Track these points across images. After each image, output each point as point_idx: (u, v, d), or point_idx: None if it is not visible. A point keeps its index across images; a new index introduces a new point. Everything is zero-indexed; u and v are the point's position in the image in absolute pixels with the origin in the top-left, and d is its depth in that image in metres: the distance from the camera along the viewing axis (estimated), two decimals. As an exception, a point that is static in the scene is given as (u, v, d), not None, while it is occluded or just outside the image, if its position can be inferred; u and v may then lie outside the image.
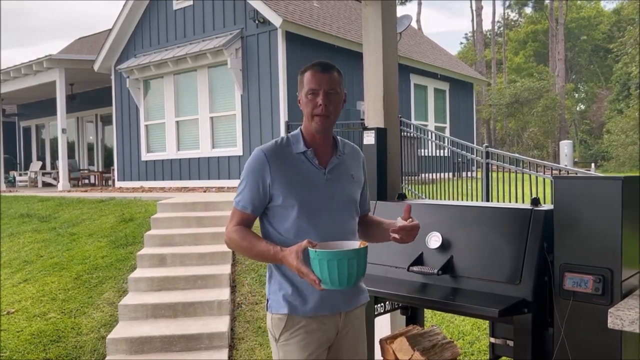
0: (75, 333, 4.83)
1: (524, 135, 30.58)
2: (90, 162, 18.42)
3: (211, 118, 11.43)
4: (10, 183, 18.63)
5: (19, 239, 7.67)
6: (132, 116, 13.10)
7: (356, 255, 1.69)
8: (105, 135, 17.79)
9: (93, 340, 4.73)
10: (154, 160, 12.66)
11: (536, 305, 2.12)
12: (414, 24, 22.98)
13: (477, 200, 8.15)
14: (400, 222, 1.88)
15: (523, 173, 7.20)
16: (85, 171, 17.48)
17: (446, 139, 10.16)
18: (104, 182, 15.95)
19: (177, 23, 12.08)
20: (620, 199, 1.99)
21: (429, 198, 8.79)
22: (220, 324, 4.80)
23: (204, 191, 10.40)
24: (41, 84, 14.11)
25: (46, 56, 13.08)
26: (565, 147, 20.83)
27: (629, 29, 27.81)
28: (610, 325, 1.83)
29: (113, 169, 14.26)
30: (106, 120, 16.86)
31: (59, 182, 14.17)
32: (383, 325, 3.14)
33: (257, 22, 10.38)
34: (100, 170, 17.23)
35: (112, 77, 13.46)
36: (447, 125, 15.73)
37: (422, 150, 9.71)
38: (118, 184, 13.55)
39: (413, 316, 2.97)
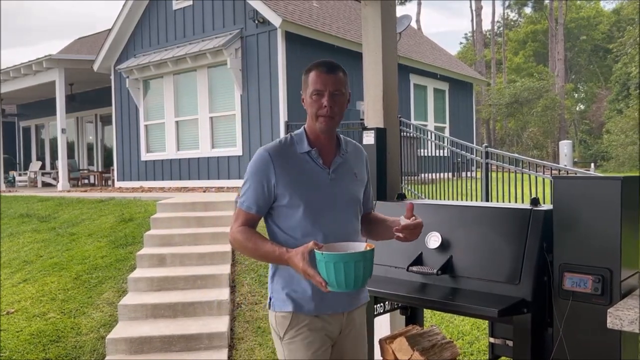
0: (74, 333, 4.83)
1: (524, 135, 30.59)
2: (90, 162, 18.42)
3: (211, 118, 11.43)
4: (10, 183, 18.63)
5: (19, 239, 7.67)
6: (131, 116, 13.10)
7: (362, 258, 1.69)
8: (104, 135, 17.79)
9: (92, 340, 4.73)
10: (154, 160, 12.66)
11: (535, 305, 2.12)
12: (413, 24, 22.99)
13: (476, 200, 8.15)
14: (403, 220, 1.88)
15: (522, 173, 7.20)
16: (85, 171, 17.47)
17: (446, 139, 10.16)
18: (103, 182, 15.95)
19: (176, 23, 12.08)
20: (620, 199, 1.99)
21: (429, 198, 8.79)
22: (220, 324, 4.80)
23: (204, 191, 10.40)
24: (41, 84, 14.10)
25: (46, 56, 13.08)
26: (565, 147, 20.84)
27: (628, 29, 27.82)
28: (609, 325, 1.83)
29: (113, 169, 14.26)
30: (106, 120, 16.86)
31: (58, 182, 14.17)
32: (382, 325, 3.14)
33: (256, 22, 10.38)
34: (99, 170, 17.23)
35: (112, 77, 13.46)
36: (447, 125, 15.73)
37: (422, 150, 9.71)
38: (118, 184, 13.55)
39: (412, 316, 2.97)
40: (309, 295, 1.93)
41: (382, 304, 2.82)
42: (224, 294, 5.23)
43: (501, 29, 44.39)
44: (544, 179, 6.94)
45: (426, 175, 9.58)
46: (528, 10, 44.70)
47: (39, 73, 13.88)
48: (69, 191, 12.78)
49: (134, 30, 12.95)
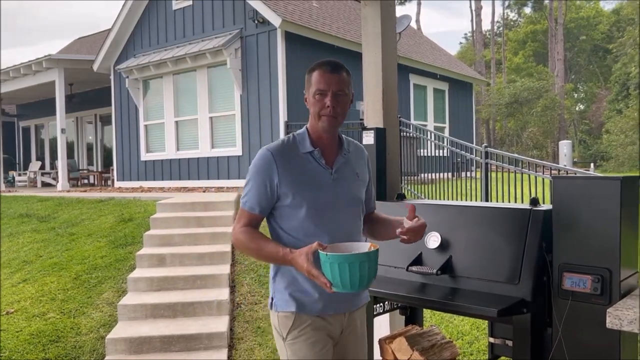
0: (74, 333, 4.83)
1: (523, 135, 30.58)
2: (90, 162, 18.41)
3: (210, 118, 11.42)
4: (10, 183, 18.63)
5: (18, 239, 7.67)
6: (131, 116, 13.10)
7: (367, 258, 1.69)
8: (104, 135, 17.79)
9: (92, 340, 4.73)
10: (153, 161, 12.66)
11: (535, 305, 2.12)
12: (413, 24, 22.99)
13: (476, 200, 8.15)
14: (407, 222, 1.88)
15: (522, 173, 7.20)
16: (85, 171, 17.47)
17: (445, 139, 10.16)
18: (103, 182, 15.95)
19: (176, 23, 12.08)
20: (619, 199, 1.99)
21: (428, 198, 8.79)
22: (220, 324, 4.80)
23: (204, 191, 10.40)
24: (40, 84, 14.10)
25: (45, 56, 13.08)
26: (565, 147, 20.84)
27: (628, 30, 27.84)
28: (608, 325, 1.83)
29: (112, 169, 14.26)
30: (105, 120, 16.86)
31: (58, 182, 14.16)
32: (382, 325, 3.14)
33: (256, 22, 10.38)
34: (99, 170, 17.23)
35: (112, 77, 13.46)
36: (447, 125, 15.74)
37: (421, 150, 9.71)
38: (117, 184, 13.55)
39: (412, 316, 2.97)
40: (313, 295, 1.92)
41: (381, 304, 2.82)
42: (223, 294, 5.23)
43: (501, 29, 44.40)
44: (543, 179, 6.94)
45: (426, 175, 9.58)
46: (528, 10, 44.72)
47: (38, 73, 13.88)
48: (68, 191, 12.78)
49: (134, 30, 12.95)
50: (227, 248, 6.06)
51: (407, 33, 15.26)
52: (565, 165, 12.07)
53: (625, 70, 25.68)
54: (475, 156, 8.36)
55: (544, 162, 7.82)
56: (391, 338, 2.64)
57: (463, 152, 8.65)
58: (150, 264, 5.85)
